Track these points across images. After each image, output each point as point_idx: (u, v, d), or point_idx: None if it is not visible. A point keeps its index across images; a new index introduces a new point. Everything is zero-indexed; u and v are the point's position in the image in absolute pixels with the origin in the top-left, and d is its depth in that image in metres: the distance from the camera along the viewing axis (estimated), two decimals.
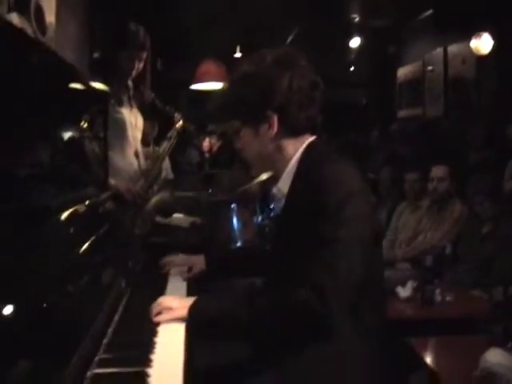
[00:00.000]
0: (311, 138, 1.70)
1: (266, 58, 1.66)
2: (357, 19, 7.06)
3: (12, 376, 0.95)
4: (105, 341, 1.45)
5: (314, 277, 1.44)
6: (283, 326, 1.50)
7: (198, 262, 2.14)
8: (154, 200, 3.20)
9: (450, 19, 5.64)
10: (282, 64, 1.64)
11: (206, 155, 7.52)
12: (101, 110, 2.74)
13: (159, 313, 1.59)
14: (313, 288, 1.42)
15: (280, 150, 1.68)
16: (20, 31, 1.76)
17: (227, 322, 1.55)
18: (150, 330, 1.53)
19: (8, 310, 1.04)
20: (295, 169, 1.67)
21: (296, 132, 1.68)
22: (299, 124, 1.66)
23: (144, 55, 2.96)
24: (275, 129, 1.65)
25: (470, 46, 5.50)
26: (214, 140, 8.56)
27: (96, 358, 1.33)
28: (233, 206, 3.72)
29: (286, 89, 1.60)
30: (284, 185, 1.70)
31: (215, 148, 8.39)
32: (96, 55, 4.01)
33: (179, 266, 2.17)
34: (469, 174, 4.33)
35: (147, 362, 1.32)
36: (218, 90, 1.78)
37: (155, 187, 3.27)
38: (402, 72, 7.30)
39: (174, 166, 4.86)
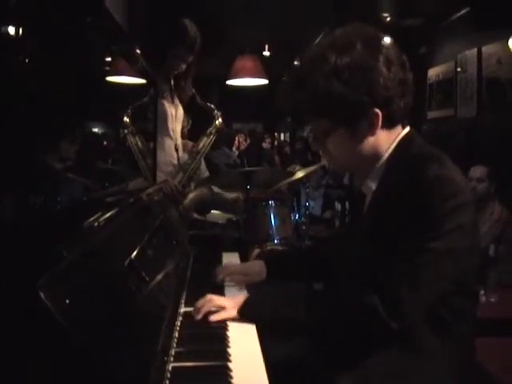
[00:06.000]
0: (406, 130, 1.51)
1: (355, 43, 1.40)
2: (388, 19, 6.98)
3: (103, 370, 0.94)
4: (175, 334, 1.44)
5: (393, 285, 1.32)
6: (348, 329, 1.39)
7: (256, 270, 1.92)
8: (192, 196, 3.17)
9: (486, 18, 5.54)
10: (373, 48, 1.40)
11: (235, 153, 7.52)
12: (144, 105, 2.73)
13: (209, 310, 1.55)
14: (389, 297, 1.31)
15: (376, 145, 1.47)
16: None
17: (284, 324, 1.47)
18: (220, 323, 1.51)
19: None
20: (385, 164, 1.48)
21: (393, 123, 1.47)
22: (399, 115, 1.46)
23: (191, 57, 2.92)
24: (379, 126, 1.43)
25: (506, 46, 5.42)
26: (241, 138, 8.60)
27: (171, 351, 1.32)
28: (270, 202, 3.70)
29: (387, 78, 1.38)
30: (373, 181, 1.51)
31: (242, 147, 8.43)
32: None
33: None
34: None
35: (225, 355, 1.30)
36: (287, 86, 1.48)
37: (192, 185, 3.24)
38: (433, 72, 7.20)
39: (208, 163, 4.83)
